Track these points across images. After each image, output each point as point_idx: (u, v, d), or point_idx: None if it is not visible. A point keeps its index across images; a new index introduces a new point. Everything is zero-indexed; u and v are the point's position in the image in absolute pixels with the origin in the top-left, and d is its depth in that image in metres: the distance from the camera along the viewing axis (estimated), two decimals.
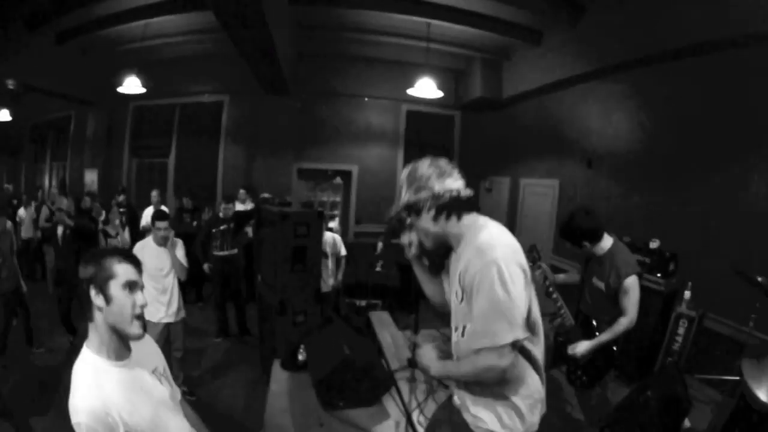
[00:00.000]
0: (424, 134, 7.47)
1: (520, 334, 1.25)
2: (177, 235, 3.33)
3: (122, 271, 1.20)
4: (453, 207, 1.37)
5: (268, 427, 2.16)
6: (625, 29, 4.10)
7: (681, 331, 3.55)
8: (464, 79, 7.00)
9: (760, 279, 2.74)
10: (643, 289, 3.48)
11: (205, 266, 4.62)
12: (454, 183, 1.39)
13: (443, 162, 1.41)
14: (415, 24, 5.45)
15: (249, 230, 4.83)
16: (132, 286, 1.21)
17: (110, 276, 1.18)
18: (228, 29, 4.22)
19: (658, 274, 3.73)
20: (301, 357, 2.72)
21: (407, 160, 6.88)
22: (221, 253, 4.59)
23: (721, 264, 3.38)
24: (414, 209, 1.40)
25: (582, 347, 2.51)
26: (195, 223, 5.76)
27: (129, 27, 5.66)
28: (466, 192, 1.40)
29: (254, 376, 3.79)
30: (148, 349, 1.37)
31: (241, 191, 6.01)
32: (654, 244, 3.85)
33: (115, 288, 1.18)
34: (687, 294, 3.59)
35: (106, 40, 6.21)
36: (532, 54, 5.66)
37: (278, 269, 3.39)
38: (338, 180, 7.89)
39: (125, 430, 1.13)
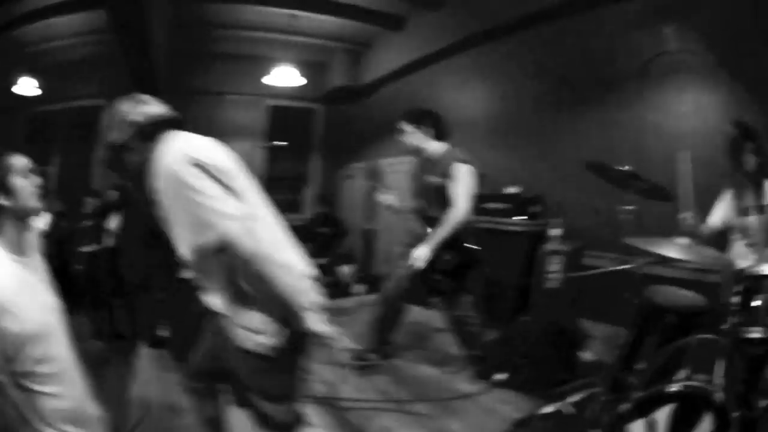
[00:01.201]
0: (286, 129, 7.53)
1: None
2: (52, 239, 3.21)
3: (17, 161, 1.29)
4: (152, 129, 1.36)
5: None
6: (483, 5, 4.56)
7: (555, 268, 3.58)
8: (327, 71, 7.18)
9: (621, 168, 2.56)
10: (506, 233, 3.97)
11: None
12: (154, 109, 1.40)
13: (142, 96, 1.44)
14: (277, 17, 5.57)
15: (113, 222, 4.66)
16: (28, 171, 1.31)
17: (8, 171, 1.26)
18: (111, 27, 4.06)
19: (524, 217, 3.96)
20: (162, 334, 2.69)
21: (271, 157, 7.20)
22: (86, 250, 4.45)
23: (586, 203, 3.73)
24: (122, 147, 1.37)
25: (420, 251, 2.54)
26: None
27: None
28: (169, 114, 1.42)
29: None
30: (41, 266, 1.41)
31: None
32: (511, 190, 4.14)
33: (15, 179, 1.26)
34: (555, 231, 3.65)
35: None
36: (395, 40, 5.99)
37: (135, 247, 3.39)
38: None
39: (12, 328, 1.14)
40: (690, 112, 3.57)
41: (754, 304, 1.75)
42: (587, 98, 4.05)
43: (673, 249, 2.07)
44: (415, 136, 2.75)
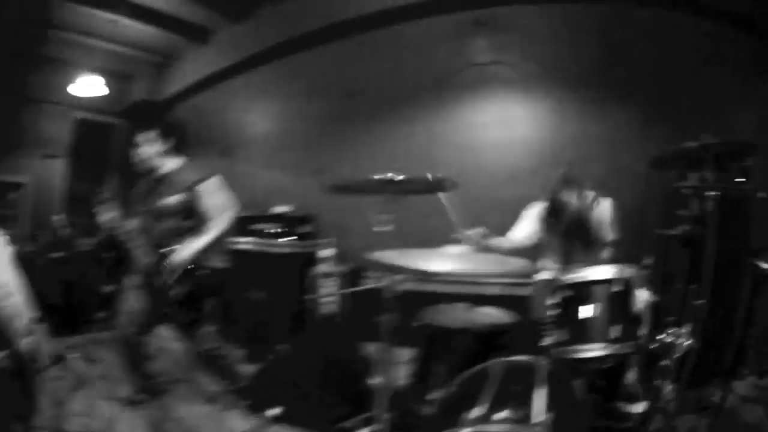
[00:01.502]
0: (88, 143, 6.32)
1: None
2: None
3: None
4: None
5: None
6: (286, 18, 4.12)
7: (329, 291, 3.43)
8: (130, 84, 6.25)
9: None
10: (274, 256, 3.55)
11: None
12: None
13: None
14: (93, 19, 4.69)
15: None
16: None
17: None
18: None
19: (294, 237, 3.61)
20: None
21: (73, 171, 6.00)
22: None
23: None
24: None
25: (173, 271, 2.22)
26: None
27: None
28: None
29: None
30: None
31: None
32: (281, 209, 3.71)
33: None
34: (327, 252, 3.45)
35: None
36: (199, 53, 5.29)
37: None
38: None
39: None
40: (495, 122, 3.30)
41: (581, 315, 1.53)
42: (378, 112, 3.82)
43: (447, 260, 1.72)
44: (150, 149, 2.37)
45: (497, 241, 2.39)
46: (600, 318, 1.51)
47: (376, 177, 1.87)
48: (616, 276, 1.54)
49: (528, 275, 2.32)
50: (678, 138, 2.14)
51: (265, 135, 4.44)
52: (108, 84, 5.21)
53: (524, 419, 1.32)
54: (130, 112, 6.29)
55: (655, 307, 1.72)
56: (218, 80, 4.97)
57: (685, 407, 2.54)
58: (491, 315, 2.31)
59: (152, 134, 2.37)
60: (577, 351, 1.51)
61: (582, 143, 3.22)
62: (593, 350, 1.49)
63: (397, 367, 2.62)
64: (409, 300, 2.04)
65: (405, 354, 2.63)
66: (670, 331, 1.70)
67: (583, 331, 1.52)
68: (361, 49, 3.82)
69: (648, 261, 2.21)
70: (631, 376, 1.75)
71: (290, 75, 4.25)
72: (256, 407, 2.54)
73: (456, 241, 2.06)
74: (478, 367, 1.72)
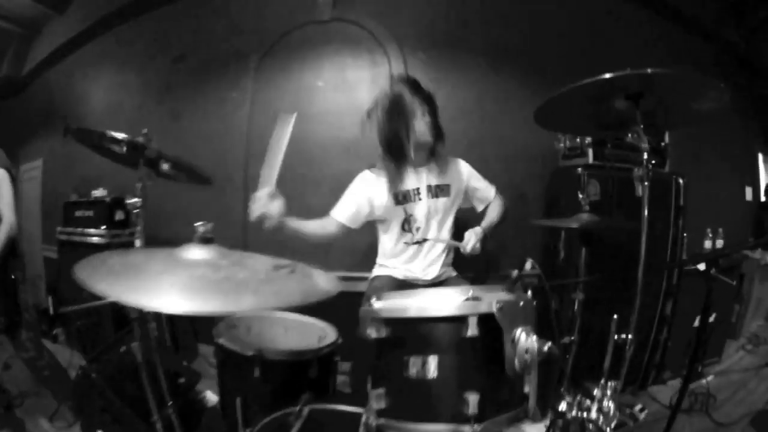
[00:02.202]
0: None
1: None
2: None
3: None
4: None
5: None
6: None
7: None
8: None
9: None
10: (89, 246, 3.18)
11: None
12: None
13: None
14: None
15: None
16: None
17: None
18: None
19: (102, 227, 3.19)
20: None
21: None
22: None
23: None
24: None
25: None
26: None
27: None
28: None
29: None
30: None
31: None
32: (97, 194, 3.28)
33: None
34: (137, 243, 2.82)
35: None
36: (56, 23, 4.64)
37: None
38: None
39: None
40: (333, 86, 2.80)
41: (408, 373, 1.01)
42: (206, 78, 3.28)
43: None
44: None
45: (308, 227, 1.90)
46: (440, 381, 0.97)
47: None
48: (471, 311, 0.97)
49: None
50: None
51: (100, 109, 3.85)
52: None
53: None
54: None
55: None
56: (66, 52, 4.37)
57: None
58: (299, 329, 1.77)
59: None
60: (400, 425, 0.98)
61: None
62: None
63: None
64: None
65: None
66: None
67: (411, 398, 0.99)
68: (194, 8, 3.30)
69: (531, 269, 1.78)
70: None
71: (125, 42, 3.71)
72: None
73: None
74: (275, 414, 1.25)
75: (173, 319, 2.81)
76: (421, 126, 1.92)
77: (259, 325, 1.82)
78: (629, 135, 1.33)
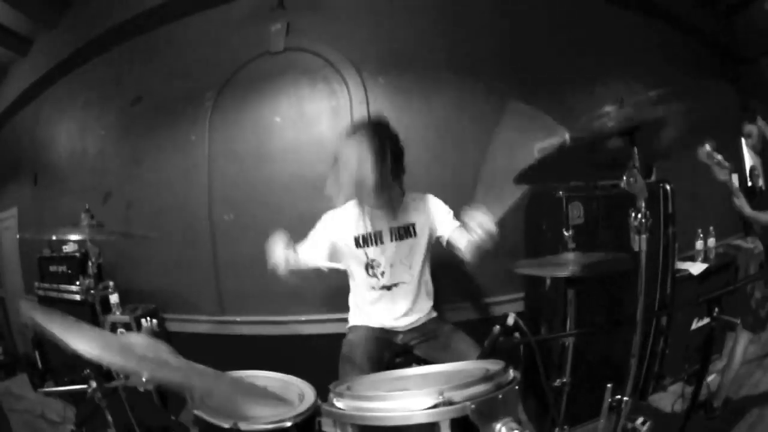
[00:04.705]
0: None
1: None
2: None
3: None
4: None
5: None
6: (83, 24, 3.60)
7: None
8: None
9: None
10: (69, 303, 3.13)
11: None
12: None
13: None
14: None
15: None
16: None
17: None
18: None
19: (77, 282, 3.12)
20: None
21: None
22: None
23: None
24: None
25: None
26: None
27: None
28: None
29: None
30: None
31: None
32: (68, 248, 3.31)
33: None
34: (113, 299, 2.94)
35: None
36: (21, 66, 4.57)
37: None
38: None
39: None
40: (291, 120, 2.68)
41: None
42: (162, 119, 3.16)
43: None
44: None
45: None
46: None
47: None
48: (442, 417, 0.89)
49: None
50: None
51: (65, 156, 3.77)
52: None
53: None
54: None
55: None
56: (31, 96, 4.30)
57: None
58: (290, 391, 1.55)
59: None
60: None
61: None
62: None
63: None
64: None
65: None
66: None
67: None
68: (148, 49, 3.20)
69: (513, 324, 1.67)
70: None
71: (84, 85, 3.61)
72: None
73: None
74: None
75: None
76: (370, 172, 1.79)
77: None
78: (625, 179, 1.14)
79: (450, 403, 0.88)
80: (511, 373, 1.03)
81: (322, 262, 1.96)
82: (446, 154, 2.69)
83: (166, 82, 3.08)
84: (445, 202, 2.02)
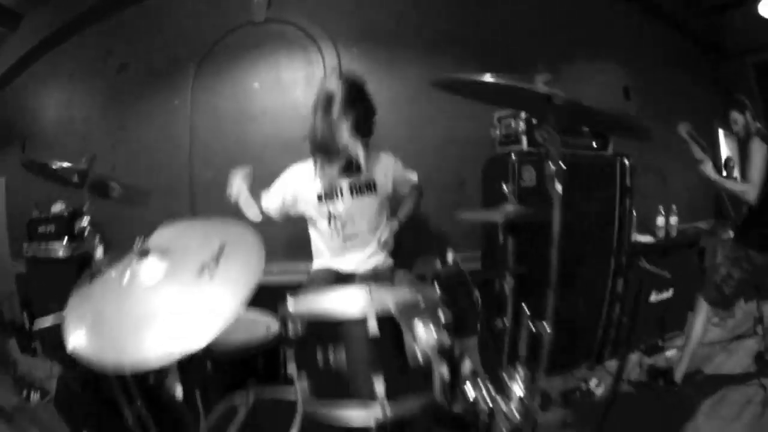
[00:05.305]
0: None
1: None
2: None
3: None
4: None
5: None
6: None
7: None
8: None
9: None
10: (54, 262, 3.26)
11: None
12: None
13: None
14: None
15: None
16: None
17: None
18: None
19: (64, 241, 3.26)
20: None
21: None
22: None
23: None
24: None
25: None
26: None
27: None
28: None
29: None
30: None
31: None
32: (55, 209, 3.37)
33: None
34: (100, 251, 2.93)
35: None
36: (10, 41, 4.65)
37: None
38: None
39: None
40: (269, 87, 2.85)
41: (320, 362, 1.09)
42: (148, 85, 3.34)
43: None
44: None
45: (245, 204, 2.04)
46: (353, 368, 1.06)
47: None
48: (377, 309, 1.05)
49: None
50: None
51: (52, 125, 3.90)
52: None
53: None
54: None
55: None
56: (19, 70, 4.37)
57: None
58: (244, 323, 1.83)
59: None
60: (326, 407, 1.07)
61: None
62: (347, 409, 1.04)
63: None
64: None
65: None
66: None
67: (327, 381, 1.09)
68: (135, 19, 3.34)
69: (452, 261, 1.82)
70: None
71: (71, 56, 3.73)
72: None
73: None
74: (228, 402, 1.37)
75: None
76: (341, 126, 1.90)
77: None
78: (538, 134, 1.26)
79: (378, 300, 1.05)
80: (436, 290, 1.20)
81: (282, 212, 2.09)
82: (413, 119, 2.87)
83: (152, 51, 3.23)
84: (410, 161, 2.20)
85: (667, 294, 3.00)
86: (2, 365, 2.75)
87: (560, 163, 1.19)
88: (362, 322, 1.03)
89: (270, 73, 2.97)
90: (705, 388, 2.46)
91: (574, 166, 1.36)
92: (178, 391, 2.48)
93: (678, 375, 2.49)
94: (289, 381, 1.32)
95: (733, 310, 3.31)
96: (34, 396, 2.70)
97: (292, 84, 2.94)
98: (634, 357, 2.92)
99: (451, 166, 2.87)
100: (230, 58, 3.01)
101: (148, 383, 2.29)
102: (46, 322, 2.54)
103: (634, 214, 2.83)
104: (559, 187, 1.20)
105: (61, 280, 3.10)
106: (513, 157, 2.48)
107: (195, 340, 0.92)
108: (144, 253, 1.09)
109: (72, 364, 2.52)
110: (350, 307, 1.06)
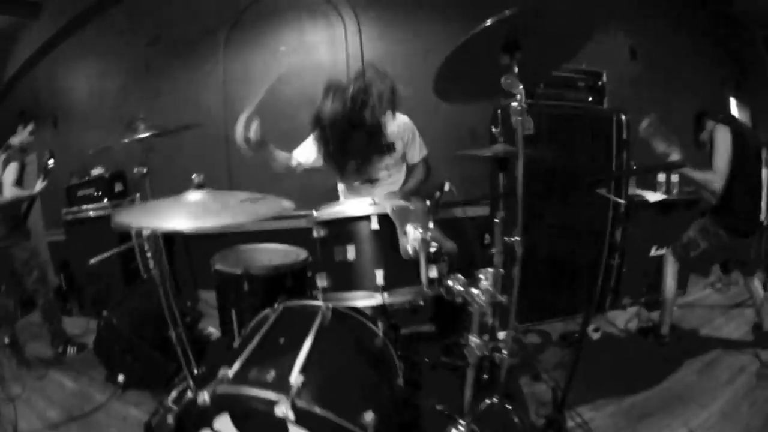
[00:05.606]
0: None
1: None
2: None
3: None
4: None
5: None
6: None
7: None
8: None
9: None
10: (96, 220, 3.45)
11: None
12: None
13: None
14: None
15: None
16: None
17: None
18: None
19: (105, 200, 3.52)
20: None
21: None
22: None
23: None
24: None
25: None
26: None
27: None
28: None
29: None
30: None
31: None
32: (95, 172, 3.57)
33: None
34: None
35: None
36: (33, 28, 4.87)
37: None
38: None
39: None
40: (294, 48, 3.11)
41: (338, 258, 1.38)
42: (180, 54, 3.59)
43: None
44: None
45: (279, 155, 2.19)
46: (361, 262, 1.32)
47: None
48: (378, 211, 1.31)
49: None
50: None
51: (84, 97, 4.16)
52: None
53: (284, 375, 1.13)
54: None
55: None
56: (47, 51, 4.61)
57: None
58: (278, 254, 2.19)
59: None
60: (341, 299, 1.35)
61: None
62: (356, 299, 1.32)
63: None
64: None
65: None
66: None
67: (342, 276, 1.35)
68: None
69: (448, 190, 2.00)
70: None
71: (101, 33, 3.98)
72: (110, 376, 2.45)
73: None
74: (261, 314, 1.59)
75: (175, 268, 3.14)
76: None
77: (246, 255, 2.26)
78: (503, 80, 1.44)
79: (378, 204, 1.32)
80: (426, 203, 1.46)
81: (314, 162, 2.26)
82: (428, 78, 3.10)
83: (181, 25, 3.49)
84: (426, 119, 2.38)
85: (665, 250, 3.17)
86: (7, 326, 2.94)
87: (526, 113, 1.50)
88: (367, 219, 1.31)
89: (294, 37, 3.23)
90: (699, 346, 2.56)
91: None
92: (213, 332, 2.73)
93: (664, 329, 2.62)
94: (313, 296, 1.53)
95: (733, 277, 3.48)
96: (71, 350, 2.95)
97: (315, 45, 3.21)
98: (632, 309, 3.12)
99: (464, 116, 3.12)
100: (258, 24, 3.26)
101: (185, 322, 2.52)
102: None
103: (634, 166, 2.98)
104: (529, 125, 1.53)
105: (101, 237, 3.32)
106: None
107: None
108: None
109: (117, 304, 2.68)
110: (358, 210, 1.33)
